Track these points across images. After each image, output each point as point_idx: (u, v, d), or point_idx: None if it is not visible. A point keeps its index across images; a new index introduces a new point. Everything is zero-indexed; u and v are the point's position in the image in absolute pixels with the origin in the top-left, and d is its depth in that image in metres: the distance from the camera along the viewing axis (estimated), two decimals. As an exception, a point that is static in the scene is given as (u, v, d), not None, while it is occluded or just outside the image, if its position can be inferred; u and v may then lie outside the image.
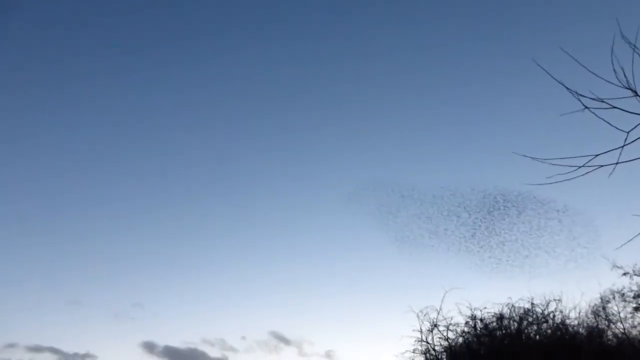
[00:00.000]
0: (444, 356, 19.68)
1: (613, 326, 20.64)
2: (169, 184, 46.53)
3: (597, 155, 6.28)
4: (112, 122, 48.21)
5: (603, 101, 6.22)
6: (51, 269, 42.08)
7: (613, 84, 6.24)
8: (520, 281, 24.81)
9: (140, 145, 47.13)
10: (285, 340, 37.15)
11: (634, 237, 6.23)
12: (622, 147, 6.18)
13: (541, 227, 26.18)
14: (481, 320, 19.21)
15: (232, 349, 37.07)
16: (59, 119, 46.99)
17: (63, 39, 46.93)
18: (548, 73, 6.65)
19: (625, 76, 6.21)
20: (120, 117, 47.79)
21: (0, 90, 44.97)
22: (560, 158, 6.42)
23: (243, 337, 38.27)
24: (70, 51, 47.26)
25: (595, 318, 20.84)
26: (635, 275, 19.65)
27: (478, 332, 19.31)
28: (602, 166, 6.30)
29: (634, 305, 20.24)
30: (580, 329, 20.02)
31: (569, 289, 21.04)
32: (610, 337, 20.53)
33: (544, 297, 19.29)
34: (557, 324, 19.22)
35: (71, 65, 47.64)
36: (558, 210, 26.20)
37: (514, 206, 26.42)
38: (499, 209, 26.47)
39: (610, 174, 6.27)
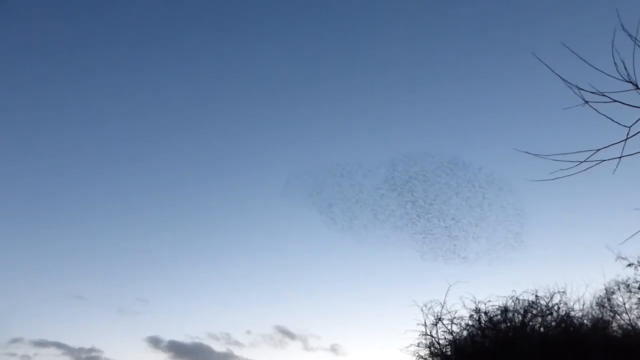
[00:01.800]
0: (448, 349, 19.69)
1: (618, 317, 20.61)
2: (173, 179, 46.59)
3: (598, 149, 6.23)
4: (113, 118, 48.20)
5: (604, 95, 6.16)
6: (55, 264, 42.32)
7: (614, 77, 6.17)
8: (451, 260, 24.30)
9: (144, 140, 47.16)
10: (290, 335, 37.31)
11: (638, 231, 6.19)
12: (625, 140, 6.12)
13: (469, 198, 25.43)
14: (485, 313, 19.18)
15: (237, 344, 37.26)
16: (61, 115, 47.02)
17: (57, 35, 46.84)
18: (548, 67, 6.59)
19: (626, 69, 6.14)
20: (121, 114, 47.79)
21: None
22: (562, 153, 6.37)
23: (248, 332, 38.48)
24: (65, 48, 47.19)
25: (600, 309, 20.81)
26: (640, 266, 19.58)
27: (482, 325, 19.29)
28: (604, 161, 6.25)
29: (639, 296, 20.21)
30: (585, 321, 19.98)
31: (573, 280, 21.02)
32: (616, 328, 20.49)
33: (548, 290, 19.25)
34: (561, 316, 19.17)
35: (69, 62, 47.59)
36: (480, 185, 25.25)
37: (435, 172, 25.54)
38: (417, 177, 25.48)
39: (615, 170, 6.22)
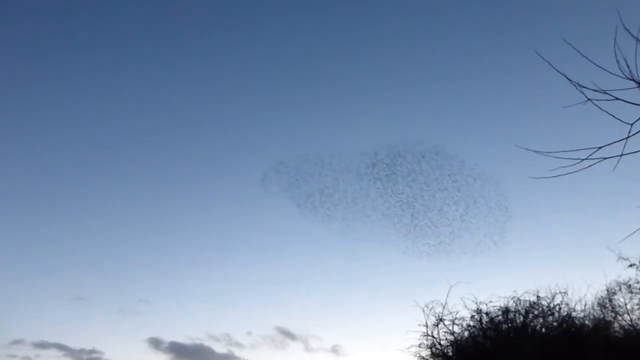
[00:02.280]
0: (449, 350, 19.67)
1: (620, 318, 20.59)
2: (174, 180, 46.55)
3: (600, 147, 6.23)
4: (115, 120, 48.18)
5: (606, 93, 6.16)
6: (56, 265, 42.18)
7: (616, 75, 6.17)
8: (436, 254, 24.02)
9: (146, 141, 47.09)
10: (291, 336, 37.26)
11: (638, 229, 6.19)
12: (626, 138, 6.12)
13: (453, 193, 24.81)
14: (487, 314, 19.16)
15: (238, 345, 37.21)
16: (62, 116, 46.92)
17: (58, 36, 46.86)
18: (550, 64, 6.58)
19: (628, 67, 6.14)
20: (122, 115, 47.73)
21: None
22: (564, 151, 6.37)
23: (249, 333, 38.42)
24: (65, 48, 47.15)
25: (601, 310, 20.79)
26: (641, 266, 19.55)
27: (484, 325, 19.27)
28: (605, 158, 6.25)
29: (641, 296, 20.19)
30: (587, 321, 19.97)
31: (574, 281, 21.01)
32: (617, 329, 20.48)
33: (550, 290, 19.24)
34: (563, 316, 19.15)
35: (68, 63, 47.58)
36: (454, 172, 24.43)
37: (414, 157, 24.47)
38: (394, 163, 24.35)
39: (615, 166, 6.22)
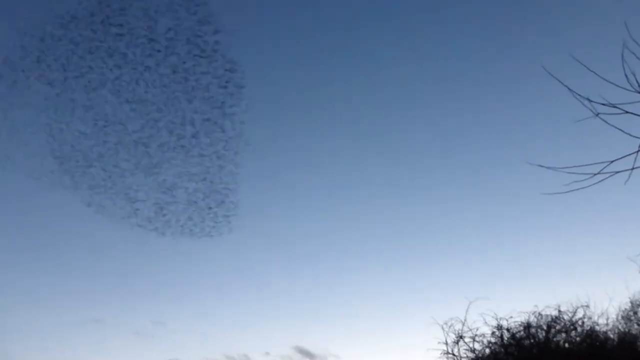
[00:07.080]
0: (471, 368, 19.38)
1: (646, 331, 20.13)
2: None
3: (612, 161, 6.22)
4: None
5: (615, 107, 6.17)
6: (72, 288, 42.55)
7: (624, 88, 6.19)
8: None
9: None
10: (310, 355, 36.92)
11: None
12: (637, 152, 6.11)
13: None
14: (508, 330, 18.83)
15: (256, 365, 37.03)
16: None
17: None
18: (557, 79, 6.62)
19: (636, 80, 6.15)
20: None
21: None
22: (575, 166, 6.37)
23: (267, 353, 38.10)
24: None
25: (626, 323, 20.34)
26: (665, 278, 19.17)
27: (505, 342, 18.94)
28: (617, 172, 6.23)
29: (666, 308, 19.74)
30: (611, 335, 19.54)
31: (596, 294, 20.58)
32: (643, 342, 20.00)
33: (571, 304, 18.87)
34: (586, 331, 18.77)
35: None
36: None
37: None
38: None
39: (627, 181, 6.20)
